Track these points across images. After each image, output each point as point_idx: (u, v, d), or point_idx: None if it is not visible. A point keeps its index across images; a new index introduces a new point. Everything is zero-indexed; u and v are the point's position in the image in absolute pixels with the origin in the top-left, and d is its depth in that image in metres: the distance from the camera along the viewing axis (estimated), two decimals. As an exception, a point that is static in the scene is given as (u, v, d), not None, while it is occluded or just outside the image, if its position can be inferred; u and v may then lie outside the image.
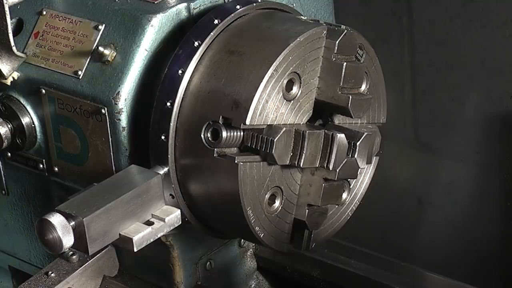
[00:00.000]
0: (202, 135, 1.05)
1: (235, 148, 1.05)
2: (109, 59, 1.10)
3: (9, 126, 1.18)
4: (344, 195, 1.17)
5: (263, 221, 1.08)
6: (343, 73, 1.07)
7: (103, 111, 1.10)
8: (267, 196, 1.08)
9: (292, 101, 1.06)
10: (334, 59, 1.08)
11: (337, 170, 1.08)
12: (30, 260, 1.40)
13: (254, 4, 1.13)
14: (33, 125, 1.18)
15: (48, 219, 0.92)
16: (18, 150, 1.21)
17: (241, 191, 1.04)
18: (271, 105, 1.04)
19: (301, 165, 1.06)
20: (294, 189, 1.11)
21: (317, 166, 1.08)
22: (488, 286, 1.64)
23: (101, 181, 1.03)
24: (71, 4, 1.17)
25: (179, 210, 1.04)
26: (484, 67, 1.51)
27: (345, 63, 1.08)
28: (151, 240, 1.01)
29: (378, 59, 1.17)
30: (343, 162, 1.08)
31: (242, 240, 1.34)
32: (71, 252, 1.24)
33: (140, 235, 0.99)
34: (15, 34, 1.17)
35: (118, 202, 0.99)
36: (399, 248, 1.71)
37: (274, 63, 1.03)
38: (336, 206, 1.17)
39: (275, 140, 1.02)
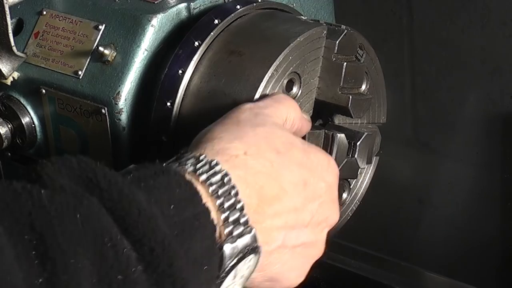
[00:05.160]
0: (202, 135, 1.05)
1: (235, 148, 1.05)
2: (109, 59, 1.10)
3: (9, 126, 1.18)
4: (344, 195, 1.17)
5: (263, 221, 1.08)
6: (343, 73, 1.07)
7: (103, 111, 1.10)
8: (267, 196, 1.08)
9: (292, 101, 1.06)
10: (334, 59, 1.08)
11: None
12: (30, 260, 1.40)
13: (254, 4, 1.13)
14: (33, 125, 1.18)
15: (48, 219, 0.92)
16: (18, 150, 1.21)
17: (241, 191, 1.04)
18: (271, 105, 1.04)
19: (301, 165, 1.06)
20: (294, 189, 1.11)
21: (317, 166, 1.08)
22: (488, 286, 1.64)
23: (101, 181, 1.03)
24: (71, 4, 1.17)
25: (179, 210, 1.03)
26: (484, 67, 1.51)
27: (345, 63, 1.08)
28: (151, 240, 1.00)
29: (378, 59, 1.17)
30: (343, 162, 1.08)
31: (242, 240, 1.34)
32: (71, 252, 1.24)
33: (140, 235, 0.99)
34: (15, 34, 1.17)
35: (118, 202, 0.99)
36: (399, 248, 1.71)
37: (274, 63, 1.03)
38: (336, 206, 1.17)
39: (275, 140, 1.02)
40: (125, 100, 1.10)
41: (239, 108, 0.94)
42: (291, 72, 1.05)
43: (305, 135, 1.05)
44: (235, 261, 0.80)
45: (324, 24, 1.09)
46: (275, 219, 0.85)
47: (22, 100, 1.18)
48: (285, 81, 1.05)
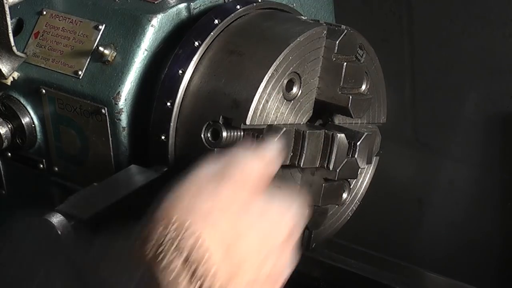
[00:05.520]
0: (202, 135, 1.05)
1: (235, 148, 1.05)
2: (109, 59, 1.10)
3: (9, 126, 1.18)
4: (344, 195, 1.17)
5: (263, 221, 1.08)
6: (343, 73, 1.07)
7: (103, 111, 1.10)
8: (267, 196, 1.08)
9: (292, 101, 1.06)
10: (334, 59, 1.08)
11: (337, 170, 1.08)
12: (30, 260, 1.40)
13: (254, 4, 1.13)
14: (33, 125, 1.18)
15: (48, 219, 0.92)
16: (18, 150, 1.21)
17: (241, 191, 1.04)
18: (271, 105, 1.04)
19: (301, 165, 1.06)
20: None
21: (317, 166, 1.08)
22: (488, 286, 1.64)
23: (101, 181, 1.03)
24: (71, 4, 1.17)
25: (179, 210, 1.03)
26: (484, 67, 1.51)
27: (345, 63, 1.08)
28: (151, 240, 1.00)
29: (378, 59, 1.17)
30: (343, 162, 1.08)
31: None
32: (71, 252, 1.24)
33: (140, 235, 0.99)
34: (15, 34, 1.17)
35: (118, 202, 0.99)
36: (399, 248, 1.71)
37: (274, 63, 1.03)
38: (336, 206, 1.17)
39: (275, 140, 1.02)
40: (125, 100, 1.10)
41: (199, 173, 0.88)
42: (291, 72, 1.05)
43: (304, 135, 1.05)
44: None
45: (324, 24, 1.09)
46: None
47: (22, 100, 1.18)
48: (285, 81, 1.05)
